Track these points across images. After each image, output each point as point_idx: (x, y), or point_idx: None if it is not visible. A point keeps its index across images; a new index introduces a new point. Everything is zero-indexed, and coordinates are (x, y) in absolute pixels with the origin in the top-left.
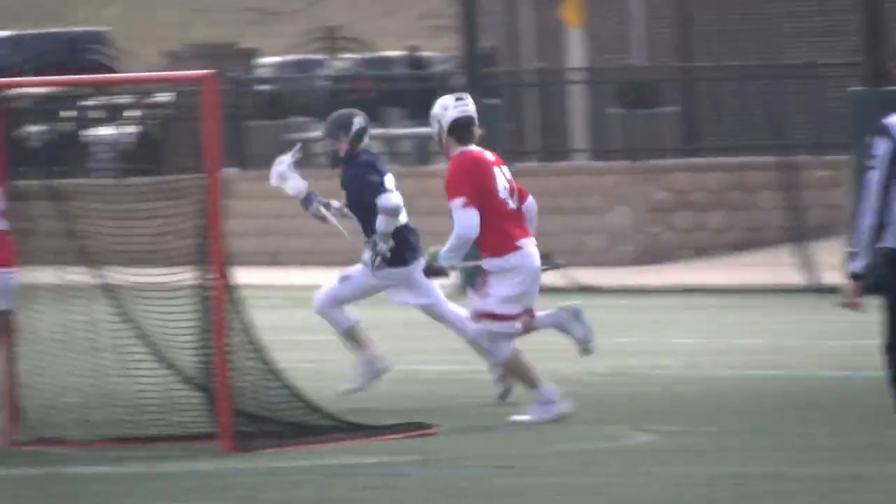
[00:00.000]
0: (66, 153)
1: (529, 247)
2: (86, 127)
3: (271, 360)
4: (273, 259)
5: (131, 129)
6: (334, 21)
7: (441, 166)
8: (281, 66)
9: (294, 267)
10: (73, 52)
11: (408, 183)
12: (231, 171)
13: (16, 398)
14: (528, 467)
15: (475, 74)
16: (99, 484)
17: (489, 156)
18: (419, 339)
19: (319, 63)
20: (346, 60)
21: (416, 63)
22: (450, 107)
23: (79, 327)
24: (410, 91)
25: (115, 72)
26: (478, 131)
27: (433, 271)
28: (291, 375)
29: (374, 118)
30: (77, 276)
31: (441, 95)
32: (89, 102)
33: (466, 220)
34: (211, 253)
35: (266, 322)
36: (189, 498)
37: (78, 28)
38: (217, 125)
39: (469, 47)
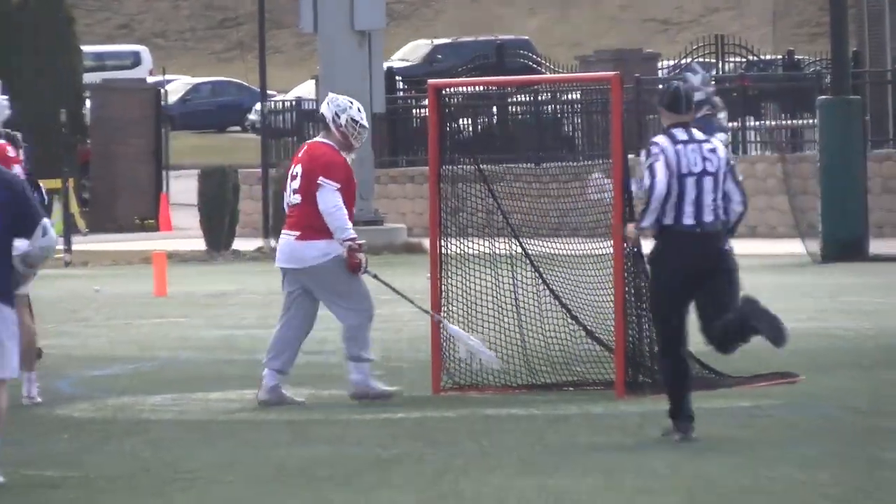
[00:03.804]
0: (493, 142)
1: None
2: (510, 120)
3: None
4: None
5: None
6: (724, 30)
7: (811, 152)
8: (674, 67)
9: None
10: (501, 57)
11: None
12: (632, 157)
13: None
14: (875, 411)
15: (842, 74)
16: (510, 423)
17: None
18: (792, 300)
19: (710, 65)
20: (731, 63)
21: (792, 65)
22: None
23: (498, 289)
24: (786, 89)
25: (537, 73)
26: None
27: None
28: None
29: (755, 112)
30: (499, 245)
31: (815, 93)
32: (513, 99)
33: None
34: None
35: None
36: (581, 433)
37: (505, 36)
38: (621, 118)
39: (838, 51)
